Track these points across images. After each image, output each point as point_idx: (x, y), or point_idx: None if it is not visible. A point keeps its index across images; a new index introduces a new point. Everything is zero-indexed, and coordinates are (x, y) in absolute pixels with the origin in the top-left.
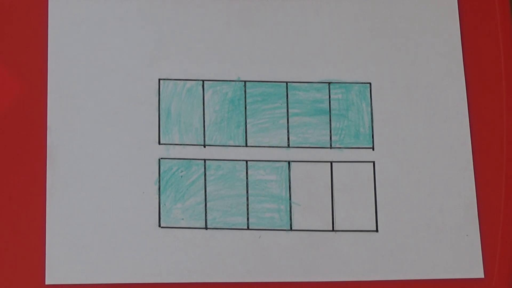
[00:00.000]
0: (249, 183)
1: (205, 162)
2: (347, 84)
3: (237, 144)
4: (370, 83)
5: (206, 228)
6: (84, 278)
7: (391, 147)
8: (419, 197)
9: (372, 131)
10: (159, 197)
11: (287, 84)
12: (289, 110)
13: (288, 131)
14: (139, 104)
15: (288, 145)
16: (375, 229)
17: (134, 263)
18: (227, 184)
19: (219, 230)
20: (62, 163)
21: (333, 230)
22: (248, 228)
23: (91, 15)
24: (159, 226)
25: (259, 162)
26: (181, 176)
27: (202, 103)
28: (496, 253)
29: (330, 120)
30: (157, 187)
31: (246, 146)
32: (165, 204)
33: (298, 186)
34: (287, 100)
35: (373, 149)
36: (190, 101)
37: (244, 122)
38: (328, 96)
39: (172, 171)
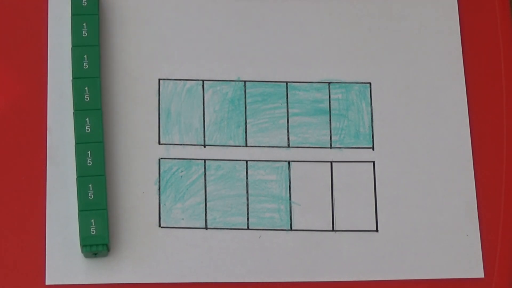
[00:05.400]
0: (249, 183)
1: (205, 162)
2: (347, 84)
3: (237, 144)
4: (370, 83)
5: (206, 228)
6: (84, 278)
7: (391, 147)
8: (419, 197)
9: (372, 131)
10: (159, 197)
11: (287, 84)
12: (289, 110)
13: (288, 131)
14: (139, 104)
15: (288, 145)
16: (375, 229)
17: (134, 263)
18: (227, 184)
19: (219, 230)
20: (62, 163)
21: (333, 230)
22: (248, 228)
23: None
24: (159, 226)
25: (259, 162)
26: (181, 176)
27: (202, 103)
28: (496, 253)
29: (330, 120)
30: (157, 187)
31: (246, 146)
32: (165, 204)
33: (298, 186)
34: (287, 100)
35: (373, 149)
36: (190, 101)
37: (244, 122)
38: (328, 96)
39: (172, 171)
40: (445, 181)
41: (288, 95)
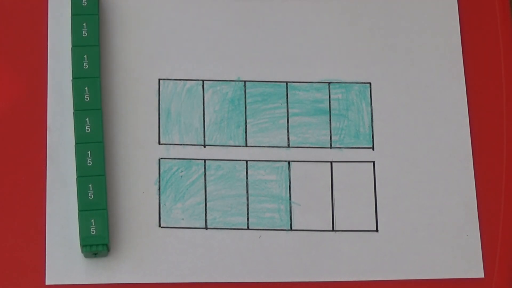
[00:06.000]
0: (249, 183)
1: (205, 162)
2: (347, 84)
3: (237, 144)
4: (370, 83)
5: (206, 228)
6: (84, 278)
7: (391, 147)
8: (419, 197)
9: (372, 131)
10: (159, 197)
11: (287, 84)
12: (289, 110)
13: (288, 131)
14: (139, 104)
15: (288, 145)
16: (375, 229)
17: (134, 263)
18: (227, 184)
19: (219, 230)
20: (62, 163)
21: (333, 230)
22: (248, 228)
23: None
24: (159, 226)
25: (259, 162)
26: (181, 176)
27: (202, 103)
28: (496, 253)
29: (330, 120)
30: (157, 187)
31: (246, 146)
32: (165, 204)
33: (298, 186)
34: (287, 100)
35: (373, 149)
36: (190, 101)
37: (244, 122)
38: (328, 96)
39: (172, 171)
40: (445, 181)
41: (288, 95)
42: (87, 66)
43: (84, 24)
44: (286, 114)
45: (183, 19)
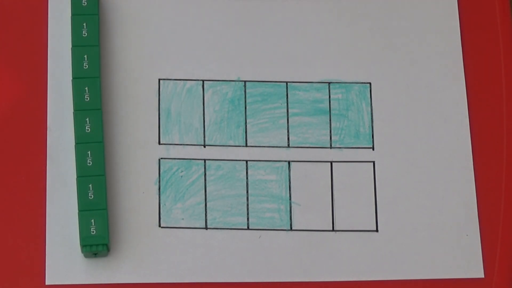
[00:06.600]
0: (249, 183)
1: (205, 162)
2: (347, 84)
3: (237, 144)
4: (370, 83)
5: (206, 228)
6: (84, 278)
7: (391, 147)
8: (419, 197)
9: (372, 131)
10: (159, 197)
11: (287, 84)
12: (289, 110)
13: (288, 131)
14: (139, 104)
15: (288, 145)
16: (375, 229)
17: (134, 263)
18: (227, 184)
19: (219, 230)
20: (62, 163)
21: (333, 230)
22: (248, 228)
23: None
24: (159, 226)
25: (259, 162)
26: (181, 176)
27: (202, 103)
28: (496, 253)
29: (330, 120)
30: (157, 187)
31: (246, 146)
32: (165, 204)
33: (298, 186)
34: (287, 100)
35: (373, 149)
36: (190, 101)
37: (244, 122)
38: (328, 96)
39: (172, 171)
40: (445, 181)
41: (288, 95)
42: (87, 66)
43: (84, 24)
44: (286, 114)
45: (183, 19)
